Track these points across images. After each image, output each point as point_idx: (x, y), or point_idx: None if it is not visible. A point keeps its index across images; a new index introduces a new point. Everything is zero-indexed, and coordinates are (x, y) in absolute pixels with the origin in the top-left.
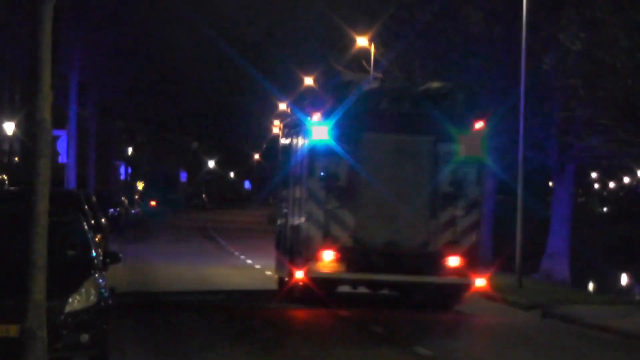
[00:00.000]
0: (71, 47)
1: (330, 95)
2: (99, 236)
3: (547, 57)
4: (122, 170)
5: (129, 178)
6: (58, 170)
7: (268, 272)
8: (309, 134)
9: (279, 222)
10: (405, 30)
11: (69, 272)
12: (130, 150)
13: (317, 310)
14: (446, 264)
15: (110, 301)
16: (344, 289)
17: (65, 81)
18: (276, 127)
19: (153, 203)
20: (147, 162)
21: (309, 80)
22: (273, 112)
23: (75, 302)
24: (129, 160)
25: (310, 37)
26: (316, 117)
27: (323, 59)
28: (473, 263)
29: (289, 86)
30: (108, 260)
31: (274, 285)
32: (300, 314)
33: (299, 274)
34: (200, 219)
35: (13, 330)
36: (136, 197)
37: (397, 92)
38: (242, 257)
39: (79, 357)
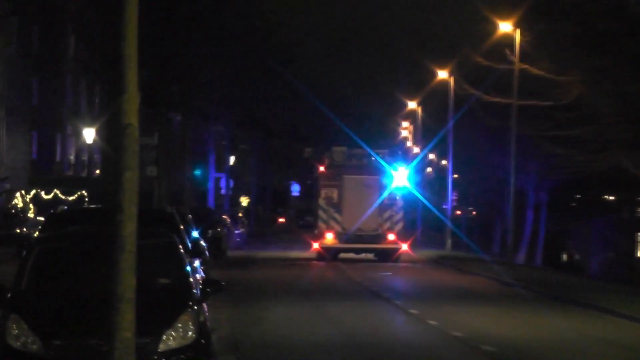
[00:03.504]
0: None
1: (329, 155)
2: (197, 261)
3: None
4: (222, 183)
5: (230, 192)
6: (147, 184)
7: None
8: (320, 177)
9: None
10: (551, 15)
11: (163, 304)
12: (232, 159)
13: (325, 263)
14: (387, 238)
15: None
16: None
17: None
18: (404, 129)
19: (282, 220)
20: (252, 173)
21: (442, 74)
22: (399, 112)
23: (170, 340)
24: (230, 172)
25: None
26: (322, 167)
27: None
28: (400, 238)
29: (419, 82)
30: (208, 290)
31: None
32: (317, 263)
33: (315, 245)
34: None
35: None
36: (240, 214)
37: (360, 154)
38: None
39: None
